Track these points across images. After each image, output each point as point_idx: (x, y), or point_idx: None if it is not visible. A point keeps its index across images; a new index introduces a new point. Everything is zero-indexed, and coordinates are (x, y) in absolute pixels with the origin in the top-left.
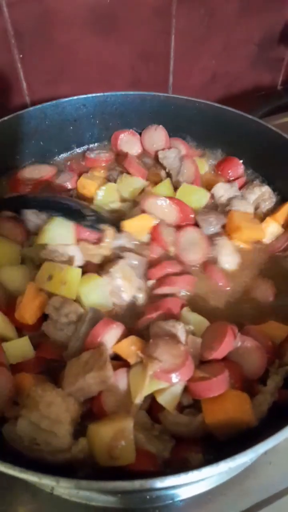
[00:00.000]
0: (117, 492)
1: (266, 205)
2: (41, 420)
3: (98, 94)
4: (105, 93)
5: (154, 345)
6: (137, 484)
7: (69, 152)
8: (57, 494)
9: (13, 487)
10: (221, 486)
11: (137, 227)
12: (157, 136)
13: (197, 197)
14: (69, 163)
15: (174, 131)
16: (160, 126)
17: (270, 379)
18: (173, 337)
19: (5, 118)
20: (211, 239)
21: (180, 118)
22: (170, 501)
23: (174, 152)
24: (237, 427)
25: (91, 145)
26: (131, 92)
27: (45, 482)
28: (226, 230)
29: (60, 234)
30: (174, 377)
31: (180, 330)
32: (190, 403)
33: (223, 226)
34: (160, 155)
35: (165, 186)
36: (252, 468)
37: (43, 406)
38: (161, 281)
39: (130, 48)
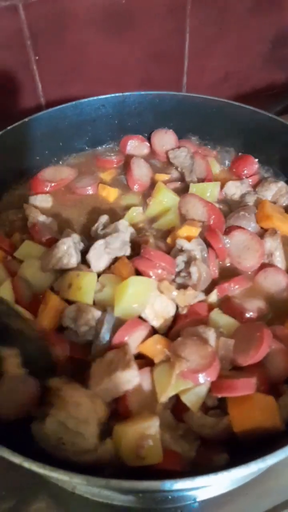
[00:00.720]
0: (140, 492)
1: (285, 200)
2: (69, 420)
3: (117, 94)
4: (124, 93)
5: (182, 344)
6: (167, 484)
7: (84, 153)
8: (79, 493)
9: (35, 486)
10: (242, 486)
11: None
12: (167, 138)
13: (210, 191)
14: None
15: (190, 130)
16: (171, 130)
17: None
18: (202, 339)
19: (26, 119)
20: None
21: (197, 117)
22: (191, 501)
23: (185, 151)
24: (264, 433)
25: (101, 147)
26: (150, 92)
27: (76, 481)
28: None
29: (140, 293)
30: (201, 378)
31: (211, 336)
32: (215, 404)
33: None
34: (171, 154)
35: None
36: (273, 468)
37: (71, 406)
38: (229, 302)
39: (143, 47)
